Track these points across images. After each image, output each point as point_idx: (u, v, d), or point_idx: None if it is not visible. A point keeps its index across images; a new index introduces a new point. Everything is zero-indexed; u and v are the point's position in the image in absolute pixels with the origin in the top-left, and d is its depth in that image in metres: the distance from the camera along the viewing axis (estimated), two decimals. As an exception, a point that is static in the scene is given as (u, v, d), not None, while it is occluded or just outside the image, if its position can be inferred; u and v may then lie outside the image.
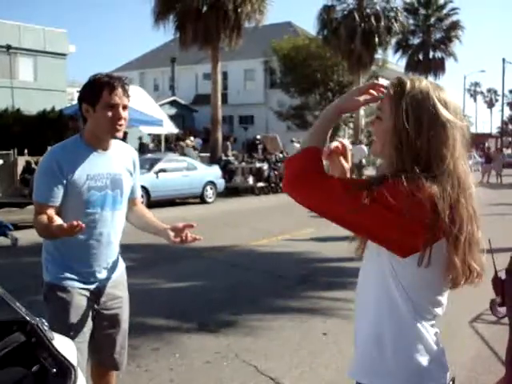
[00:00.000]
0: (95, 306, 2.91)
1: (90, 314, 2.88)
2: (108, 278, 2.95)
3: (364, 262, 1.91)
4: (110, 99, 2.69)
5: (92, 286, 2.88)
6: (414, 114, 1.67)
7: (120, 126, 2.75)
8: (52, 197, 2.71)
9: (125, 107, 2.77)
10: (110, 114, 2.70)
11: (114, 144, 2.92)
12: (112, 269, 2.97)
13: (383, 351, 1.73)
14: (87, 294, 2.86)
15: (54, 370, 1.34)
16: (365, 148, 23.41)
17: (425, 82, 1.74)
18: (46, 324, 1.47)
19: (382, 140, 1.76)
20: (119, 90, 2.71)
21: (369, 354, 1.77)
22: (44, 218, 2.59)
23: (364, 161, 25.03)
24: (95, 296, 2.90)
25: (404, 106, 1.69)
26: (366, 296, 1.83)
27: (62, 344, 1.54)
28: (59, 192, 2.71)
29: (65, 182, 2.71)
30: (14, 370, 1.33)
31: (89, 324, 2.87)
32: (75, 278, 2.83)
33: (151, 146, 27.15)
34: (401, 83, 1.73)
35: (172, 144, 26.46)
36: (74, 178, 2.72)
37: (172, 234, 2.90)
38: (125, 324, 3.08)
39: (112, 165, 2.87)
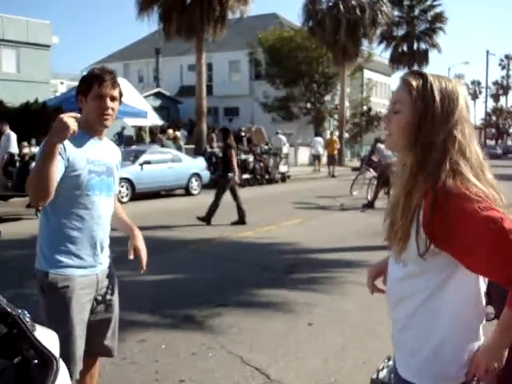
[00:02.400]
0: (94, 293, 2.97)
1: (90, 301, 2.95)
2: (104, 263, 3.05)
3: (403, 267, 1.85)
4: (98, 91, 2.87)
5: (92, 272, 2.94)
6: (440, 107, 1.70)
7: (107, 115, 2.90)
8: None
9: (113, 98, 2.93)
10: (98, 104, 2.88)
11: (106, 138, 3.10)
12: (106, 254, 3.08)
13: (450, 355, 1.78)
14: (88, 281, 2.92)
15: (36, 361, 1.33)
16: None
17: (450, 78, 1.80)
18: (28, 315, 1.46)
19: (401, 134, 1.77)
20: (108, 82, 2.89)
21: (435, 358, 1.79)
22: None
23: (321, 151, 25.72)
24: (94, 282, 2.96)
25: (429, 98, 1.71)
26: (411, 307, 1.83)
27: (44, 335, 1.53)
28: (59, 172, 2.75)
29: (66, 163, 2.79)
30: (-5, 361, 1.32)
31: (88, 313, 2.94)
32: (76, 264, 2.87)
33: (135, 137, 26.99)
34: (421, 75, 1.76)
35: (157, 136, 26.36)
36: (76, 160, 2.82)
37: (131, 247, 3.11)
38: (117, 310, 3.15)
39: (106, 154, 3.03)
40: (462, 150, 1.71)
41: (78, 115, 2.65)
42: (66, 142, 2.77)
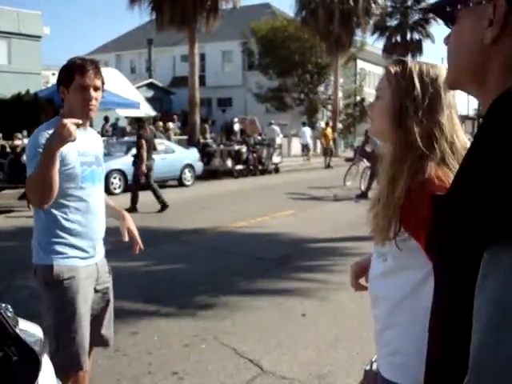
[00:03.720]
0: (96, 283, 2.99)
1: (92, 292, 2.96)
2: (102, 252, 3.07)
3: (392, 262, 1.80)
4: (81, 81, 2.82)
5: (92, 262, 2.95)
6: (420, 92, 1.66)
7: (91, 106, 2.86)
8: None
9: (96, 88, 2.89)
10: (81, 95, 2.83)
11: (89, 128, 3.08)
12: (102, 243, 3.09)
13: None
14: (91, 272, 2.93)
15: (17, 357, 1.30)
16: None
17: (435, 64, 1.76)
18: (11, 310, 1.42)
19: (382, 119, 1.74)
20: (90, 72, 2.84)
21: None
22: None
23: (309, 141, 25.81)
24: (95, 273, 2.98)
25: (408, 82, 1.68)
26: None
27: (26, 331, 1.49)
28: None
29: (60, 159, 2.75)
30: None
31: (90, 304, 2.95)
32: (79, 255, 2.86)
33: (128, 128, 26.84)
34: (402, 62, 1.74)
35: (148, 127, 26.21)
36: (67, 154, 2.79)
37: (125, 229, 3.18)
38: (111, 304, 3.17)
39: (93, 144, 3.04)
40: (448, 137, 1.66)
41: (80, 121, 2.64)
42: None
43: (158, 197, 11.91)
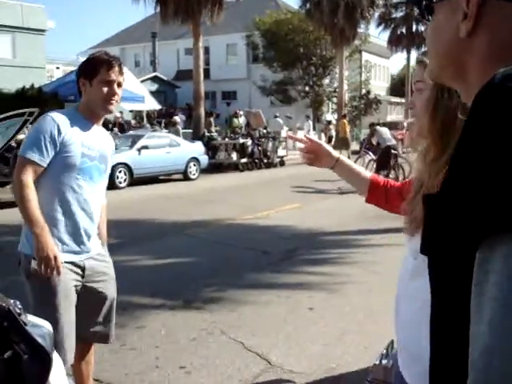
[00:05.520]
0: (81, 279, 2.94)
1: (76, 288, 2.91)
2: (91, 251, 3.00)
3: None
4: (106, 76, 2.85)
5: (78, 258, 2.91)
6: None
7: (113, 101, 2.90)
8: (44, 157, 2.75)
9: (119, 85, 2.92)
10: (105, 89, 2.85)
11: (101, 127, 3.09)
12: (94, 241, 3.03)
13: None
14: (73, 267, 2.89)
15: (26, 356, 1.28)
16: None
17: None
18: (20, 307, 1.40)
19: (424, 112, 1.65)
20: (116, 68, 2.88)
21: None
22: (32, 193, 2.70)
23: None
24: (81, 269, 2.93)
25: None
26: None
27: (37, 328, 1.47)
28: (50, 155, 2.76)
29: (59, 146, 2.76)
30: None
31: (75, 299, 2.91)
32: (60, 249, 2.81)
33: (133, 122, 26.86)
34: None
35: (154, 121, 26.28)
36: (71, 142, 2.80)
37: None
38: (109, 301, 3.11)
39: (102, 141, 3.02)
40: None
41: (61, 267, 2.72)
42: (63, 124, 2.77)
43: None
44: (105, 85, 2.84)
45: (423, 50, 38.40)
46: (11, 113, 13.29)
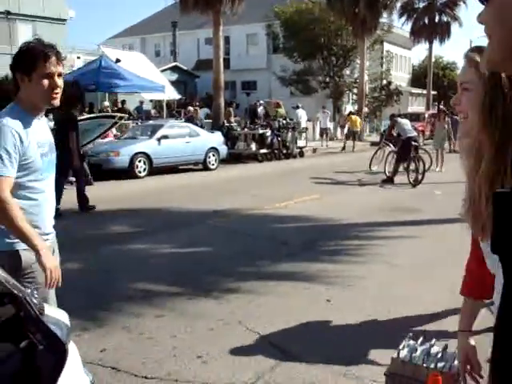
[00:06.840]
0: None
1: None
2: (53, 236, 3.01)
3: None
4: (45, 68, 2.71)
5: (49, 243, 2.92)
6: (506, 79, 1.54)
7: (56, 94, 2.79)
8: (15, 170, 2.68)
9: (60, 75, 2.80)
10: (46, 82, 2.72)
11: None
12: (53, 227, 3.04)
13: None
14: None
15: (42, 346, 1.27)
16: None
17: None
18: (36, 296, 1.40)
19: (476, 112, 1.59)
20: (53, 59, 2.73)
21: None
22: (17, 209, 2.62)
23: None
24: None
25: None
26: None
27: (53, 318, 1.47)
28: (16, 166, 2.68)
29: (22, 154, 2.69)
30: (1, 346, 1.27)
31: None
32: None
33: (153, 112, 26.90)
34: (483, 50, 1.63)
35: (174, 111, 26.28)
36: (30, 147, 2.73)
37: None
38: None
39: (47, 131, 2.97)
40: None
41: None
42: (22, 133, 2.68)
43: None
44: (45, 78, 2.71)
45: (446, 41, 37.45)
46: (104, 113, 13.73)
